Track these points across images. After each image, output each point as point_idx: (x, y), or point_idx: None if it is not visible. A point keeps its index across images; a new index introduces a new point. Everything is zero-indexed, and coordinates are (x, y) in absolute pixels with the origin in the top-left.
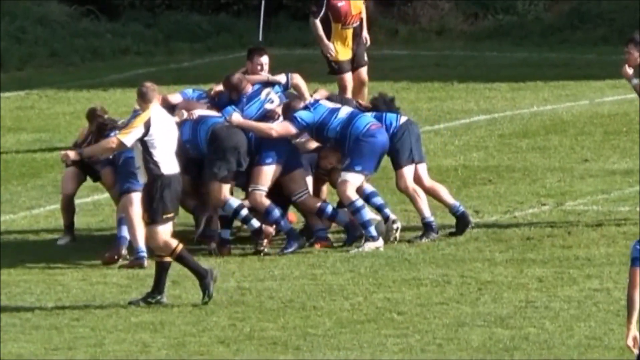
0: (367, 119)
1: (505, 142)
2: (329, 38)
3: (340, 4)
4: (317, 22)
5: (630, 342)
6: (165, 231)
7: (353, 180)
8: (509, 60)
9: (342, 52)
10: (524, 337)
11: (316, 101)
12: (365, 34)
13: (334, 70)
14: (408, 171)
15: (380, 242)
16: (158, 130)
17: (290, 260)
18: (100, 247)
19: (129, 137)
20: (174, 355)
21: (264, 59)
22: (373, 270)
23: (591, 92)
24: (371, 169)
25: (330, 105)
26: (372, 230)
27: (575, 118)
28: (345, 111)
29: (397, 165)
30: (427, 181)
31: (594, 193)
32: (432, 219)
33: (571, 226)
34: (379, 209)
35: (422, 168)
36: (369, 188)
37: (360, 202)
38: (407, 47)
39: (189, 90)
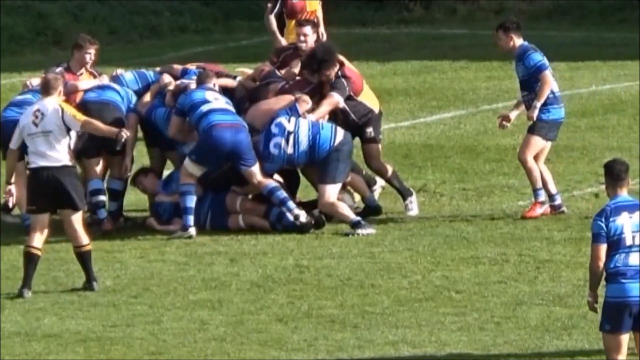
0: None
1: (563, 122)
2: (283, 34)
3: (295, 0)
4: (272, 17)
5: (592, 306)
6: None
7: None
8: (568, 40)
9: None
10: (582, 315)
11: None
12: (321, 29)
13: None
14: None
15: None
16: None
17: (348, 239)
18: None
19: None
20: (232, 332)
21: (306, 30)
22: (431, 248)
23: None
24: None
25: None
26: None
27: (633, 98)
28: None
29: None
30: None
31: None
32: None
33: None
34: (282, 202)
35: None
36: (270, 184)
37: (273, 183)
38: (466, 26)
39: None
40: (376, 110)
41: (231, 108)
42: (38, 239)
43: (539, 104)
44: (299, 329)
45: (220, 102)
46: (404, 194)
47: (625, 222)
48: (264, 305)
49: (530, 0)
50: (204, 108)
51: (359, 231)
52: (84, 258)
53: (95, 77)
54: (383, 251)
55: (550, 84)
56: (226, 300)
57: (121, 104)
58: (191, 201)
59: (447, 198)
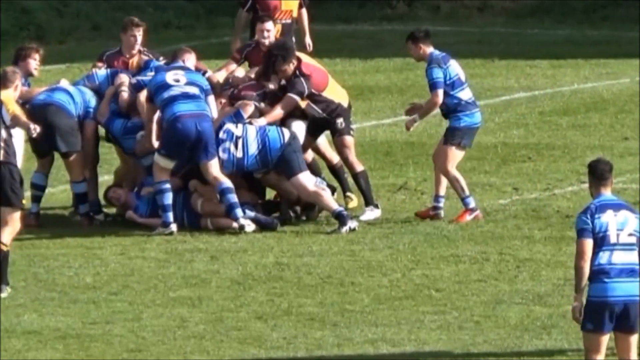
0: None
1: (545, 120)
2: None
3: None
4: (244, 13)
5: (577, 315)
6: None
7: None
8: (551, 38)
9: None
10: (562, 314)
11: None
12: (307, 39)
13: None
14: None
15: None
16: None
17: (328, 236)
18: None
19: None
20: (212, 330)
21: (268, 25)
22: (411, 247)
23: (632, 71)
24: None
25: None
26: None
27: (615, 96)
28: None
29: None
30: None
31: (634, 171)
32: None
33: None
34: (230, 207)
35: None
36: (225, 183)
37: (227, 184)
38: (448, 24)
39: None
40: (345, 103)
41: (194, 90)
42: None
43: (418, 119)
44: (278, 327)
45: (181, 85)
46: (367, 199)
47: (610, 220)
48: (243, 303)
49: None
50: (166, 95)
51: (343, 229)
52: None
53: (148, 58)
54: (363, 249)
55: (437, 104)
56: (206, 298)
57: (68, 105)
58: (168, 198)
59: (428, 196)
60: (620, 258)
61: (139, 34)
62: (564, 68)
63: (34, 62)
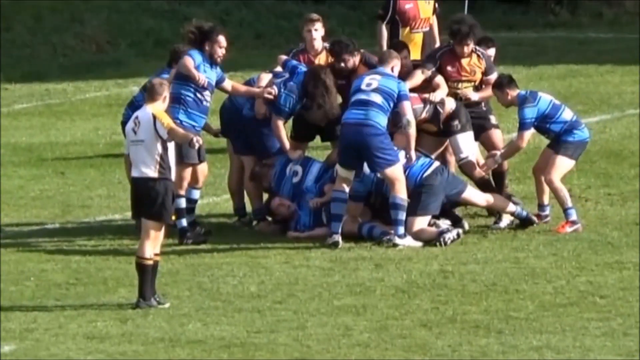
0: None
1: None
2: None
3: (407, 6)
4: (384, 27)
5: None
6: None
7: None
8: None
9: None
10: None
11: None
12: (437, 45)
13: None
14: None
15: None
16: None
17: (493, 244)
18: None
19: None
20: (376, 338)
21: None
22: (576, 253)
23: None
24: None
25: None
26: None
27: None
28: None
29: None
30: None
31: None
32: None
33: None
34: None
35: None
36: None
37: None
38: (611, 30)
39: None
40: None
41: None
42: (148, 248)
43: (500, 160)
44: (443, 335)
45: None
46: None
47: None
48: (408, 311)
49: None
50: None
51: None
52: (141, 271)
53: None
54: (528, 256)
55: (521, 148)
56: (370, 306)
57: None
58: (341, 208)
59: (592, 203)
60: None
61: (315, 28)
62: None
63: (309, 34)
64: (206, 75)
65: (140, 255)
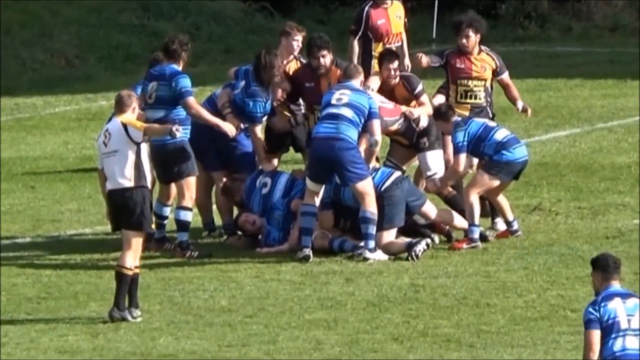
0: None
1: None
2: (370, 57)
3: (380, 21)
4: (355, 42)
5: None
6: None
7: None
8: None
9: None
10: None
11: None
12: (406, 61)
13: None
14: None
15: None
16: None
17: (463, 257)
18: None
19: None
20: (348, 352)
21: (394, 65)
22: (547, 267)
23: None
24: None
25: None
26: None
27: None
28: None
29: None
30: None
31: None
32: None
33: None
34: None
35: None
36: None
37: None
38: (580, 44)
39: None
40: None
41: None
42: (129, 258)
43: (438, 183)
44: (414, 349)
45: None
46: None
47: (618, 306)
48: (379, 325)
49: None
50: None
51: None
52: (120, 279)
53: (301, 64)
54: (498, 270)
55: (457, 172)
56: (341, 320)
57: None
58: (311, 222)
59: (563, 216)
60: (635, 344)
61: (301, 39)
62: None
63: (295, 43)
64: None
65: (120, 264)
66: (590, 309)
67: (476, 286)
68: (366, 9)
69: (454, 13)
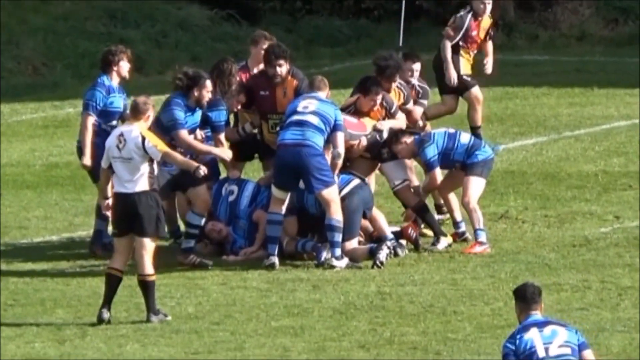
0: None
1: None
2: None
3: (473, 33)
4: (449, 45)
5: None
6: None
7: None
8: None
9: (467, 67)
10: None
11: None
12: (489, 65)
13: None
14: None
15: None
16: None
17: (430, 265)
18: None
19: None
20: (315, 359)
21: (416, 66)
22: (513, 275)
23: None
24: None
25: None
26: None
27: None
28: None
29: None
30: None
31: None
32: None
33: None
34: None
35: None
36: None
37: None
38: (547, 53)
39: None
40: None
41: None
42: (119, 261)
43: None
44: (381, 356)
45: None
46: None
47: (534, 336)
48: (346, 332)
49: (612, 26)
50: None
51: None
52: (146, 287)
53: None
54: (465, 278)
55: (436, 183)
56: (308, 327)
57: None
58: (277, 230)
59: (529, 224)
60: None
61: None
62: None
63: (126, 66)
64: (188, 123)
65: (142, 273)
66: (507, 344)
67: (443, 294)
68: (468, 17)
69: (420, 22)
